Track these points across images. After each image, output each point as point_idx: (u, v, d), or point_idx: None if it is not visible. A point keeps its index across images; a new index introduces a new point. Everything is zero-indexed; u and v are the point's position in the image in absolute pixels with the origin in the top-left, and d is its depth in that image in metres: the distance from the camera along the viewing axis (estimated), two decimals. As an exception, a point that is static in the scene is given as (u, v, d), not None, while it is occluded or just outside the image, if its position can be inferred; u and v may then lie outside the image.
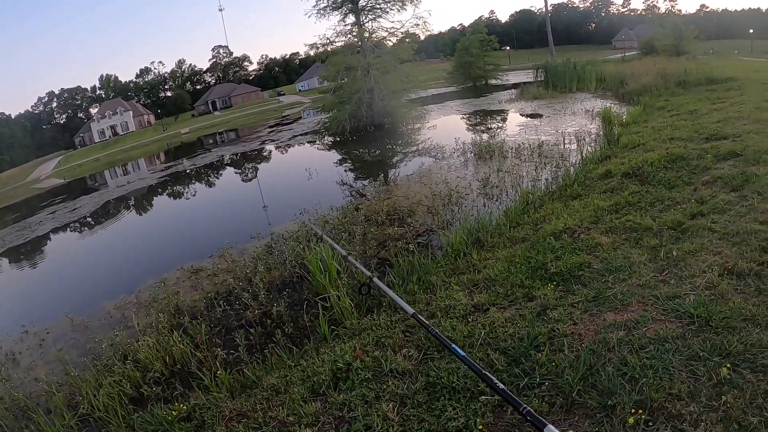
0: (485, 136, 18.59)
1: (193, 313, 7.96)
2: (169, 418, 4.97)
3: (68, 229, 23.67)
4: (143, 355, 6.62)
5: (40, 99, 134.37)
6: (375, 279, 2.35)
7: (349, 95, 27.71)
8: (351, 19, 28.79)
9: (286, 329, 6.56)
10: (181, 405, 5.14)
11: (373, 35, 28.62)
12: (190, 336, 6.91)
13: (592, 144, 13.36)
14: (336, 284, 6.82)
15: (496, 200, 10.67)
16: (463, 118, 27.48)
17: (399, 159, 18.88)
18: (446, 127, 24.99)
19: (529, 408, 0.88)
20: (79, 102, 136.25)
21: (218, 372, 5.64)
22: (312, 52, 30.68)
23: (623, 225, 6.39)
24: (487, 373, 1.00)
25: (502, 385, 0.95)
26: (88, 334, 8.78)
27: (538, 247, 6.39)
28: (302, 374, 4.94)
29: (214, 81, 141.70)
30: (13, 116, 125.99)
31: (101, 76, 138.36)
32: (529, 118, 22.19)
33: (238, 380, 5.47)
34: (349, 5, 28.37)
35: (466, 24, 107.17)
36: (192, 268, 10.52)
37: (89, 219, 24.37)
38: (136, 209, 25.00)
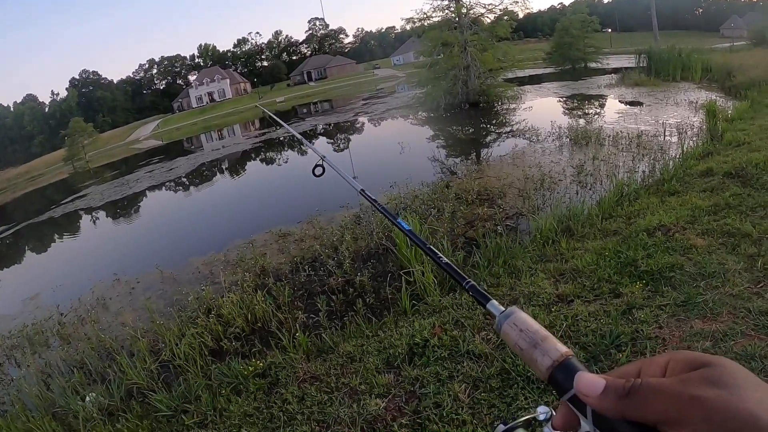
0: (582, 122, 18.05)
1: (278, 276, 8.38)
2: (245, 372, 5.31)
3: (163, 187, 25.06)
4: (226, 311, 7.09)
5: (141, 66, 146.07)
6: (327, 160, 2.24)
7: (445, 71, 27.45)
8: (449, -7, 28.47)
9: (367, 299, 6.80)
10: (258, 362, 5.47)
11: (471, 11, 28.15)
12: (273, 297, 7.30)
13: (694, 138, 12.68)
14: (421, 259, 6.95)
15: (590, 189, 10.43)
16: (560, 101, 26.72)
17: (492, 139, 18.68)
18: (542, 109, 24.42)
19: (473, 282, 0.96)
20: (178, 69, 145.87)
21: (297, 334, 5.95)
22: (408, 27, 30.47)
23: (721, 228, 6.07)
24: (431, 247, 1.10)
25: (446, 259, 1.03)
26: (176, 287, 9.51)
27: (629, 242, 6.21)
28: (379, 345, 5.13)
29: (309, 52, 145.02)
30: (115, 81, 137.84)
31: (200, 45, 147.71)
32: (628, 106, 21.28)
33: (315, 344, 5.74)
34: (447, -21, 28.03)
35: (567, 3, 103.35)
36: (280, 232, 11.00)
37: (184, 179, 25.65)
38: (229, 172, 26.07)
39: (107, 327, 8.59)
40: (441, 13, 28.38)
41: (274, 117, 4.57)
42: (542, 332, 0.79)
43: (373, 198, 1.69)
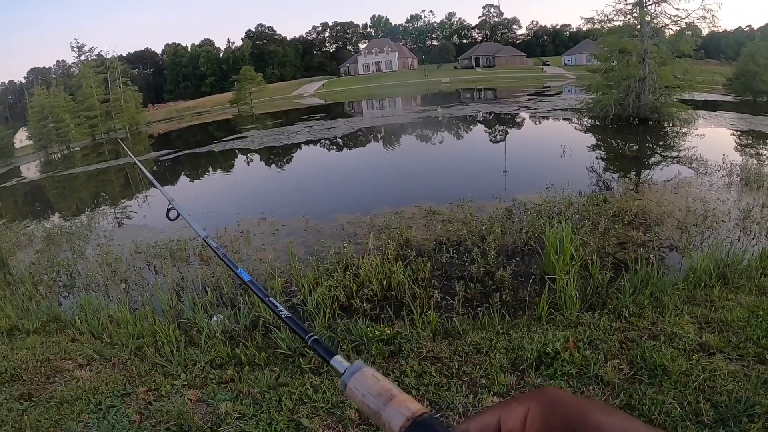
0: (756, 162, 16.57)
1: (420, 250, 8.41)
2: (371, 335, 5.37)
3: (319, 144, 26.01)
4: (364, 272, 7.22)
5: (314, 27, 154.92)
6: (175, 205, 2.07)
7: (619, 80, 26.11)
8: (633, -3, 27.03)
9: (505, 296, 6.64)
10: (386, 328, 5.51)
11: (655, 20, 26.56)
12: (412, 270, 7.32)
13: None
14: (566, 269, 6.71)
15: (754, 238, 9.53)
16: (734, 134, 24.52)
17: (657, 161, 17.60)
18: (714, 139, 22.57)
19: (316, 336, 0.82)
20: (349, 36, 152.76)
21: (429, 311, 5.91)
22: (586, 27, 29.28)
23: None
24: (272, 299, 0.97)
25: (287, 312, 0.90)
26: (318, 238, 9.85)
27: (786, 307, 5.63)
28: (508, 344, 4.98)
29: (480, 38, 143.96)
30: (288, 38, 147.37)
31: (373, 16, 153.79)
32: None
33: (444, 326, 5.69)
34: (633, -17, 26.61)
35: (756, 26, 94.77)
36: (429, 209, 11.04)
37: (340, 140, 26.44)
38: (384, 142, 26.55)
39: (246, 259, 9.07)
40: (623, 18, 27.11)
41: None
42: (391, 391, 0.73)
43: (216, 245, 1.57)
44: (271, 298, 1.19)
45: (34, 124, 71.19)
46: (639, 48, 25.22)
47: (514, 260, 7.92)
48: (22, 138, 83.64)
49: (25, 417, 4.44)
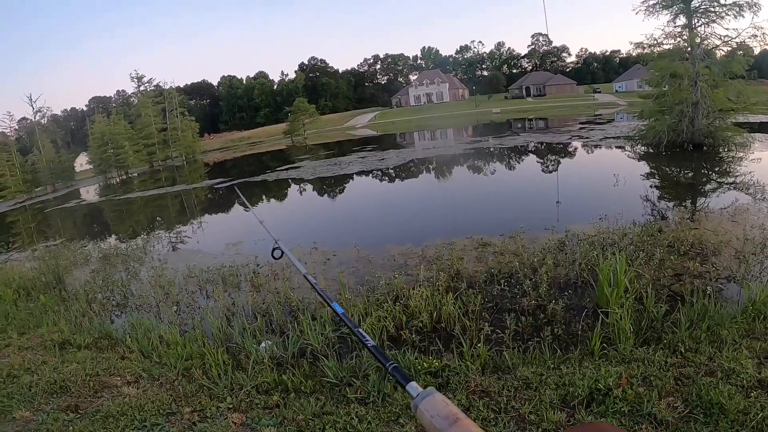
0: None
1: (471, 282, 8.33)
2: (419, 366, 5.32)
3: (371, 174, 26.21)
4: (414, 303, 7.21)
5: (365, 60, 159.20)
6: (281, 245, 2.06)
7: (671, 105, 25.50)
8: (681, 20, 26.23)
9: (556, 330, 6.50)
10: (434, 360, 5.46)
11: (705, 41, 25.97)
12: (463, 302, 7.26)
13: None
14: (620, 303, 6.54)
15: None
16: None
17: (712, 188, 17.09)
18: None
19: (396, 364, 0.89)
20: (400, 68, 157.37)
21: (478, 344, 5.83)
22: (635, 52, 28.82)
23: None
24: (360, 330, 1.02)
25: (373, 342, 0.95)
26: (369, 268, 9.93)
27: None
28: (558, 380, 4.87)
29: (530, 67, 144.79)
30: (340, 71, 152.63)
31: (423, 48, 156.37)
32: None
33: (493, 359, 5.59)
34: (681, 5, 25.87)
35: None
36: (481, 240, 10.98)
37: (392, 171, 26.63)
38: (436, 173, 26.59)
39: (297, 287, 9.16)
40: (672, 41, 26.61)
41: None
42: (457, 415, 0.85)
43: (314, 281, 1.66)
44: (360, 329, 1.33)
45: (95, 150, 74.68)
46: (690, 71, 24.66)
47: (566, 293, 7.77)
48: (82, 162, 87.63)
49: (70, 428, 4.55)
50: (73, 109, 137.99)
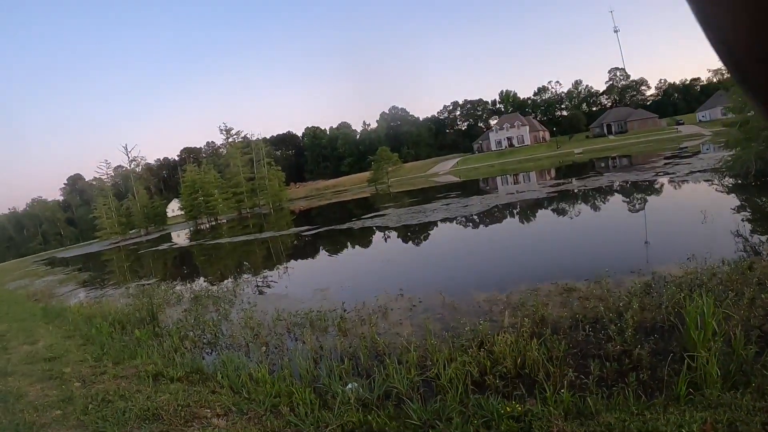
0: None
1: (556, 328, 8.31)
2: (502, 411, 5.38)
3: (455, 221, 26.31)
4: (498, 349, 7.28)
5: (445, 107, 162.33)
6: None
7: (757, 132, 24.23)
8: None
9: (641, 375, 6.42)
10: (517, 405, 5.52)
11: None
12: (547, 348, 7.26)
13: None
14: (708, 346, 6.39)
15: None
16: None
17: None
18: None
19: None
20: (480, 113, 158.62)
21: (562, 390, 5.85)
22: (715, 79, 27.84)
23: None
24: None
25: None
26: (455, 314, 10.06)
27: None
28: (642, 426, 4.83)
29: (609, 104, 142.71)
30: (421, 118, 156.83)
31: (501, 92, 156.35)
32: None
33: (576, 405, 5.59)
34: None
35: None
36: (566, 285, 10.90)
37: (476, 217, 26.63)
38: (520, 217, 26.41)
39: (383, 332, 9.43)
40: None
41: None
42: None
43: None
44: None
45: (186, 197, 78.92)
46: (774, 94, 23.62)
47: (652, 337, 7.63)
48: (174, 208, 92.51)
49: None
50: (165, 158, 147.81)
